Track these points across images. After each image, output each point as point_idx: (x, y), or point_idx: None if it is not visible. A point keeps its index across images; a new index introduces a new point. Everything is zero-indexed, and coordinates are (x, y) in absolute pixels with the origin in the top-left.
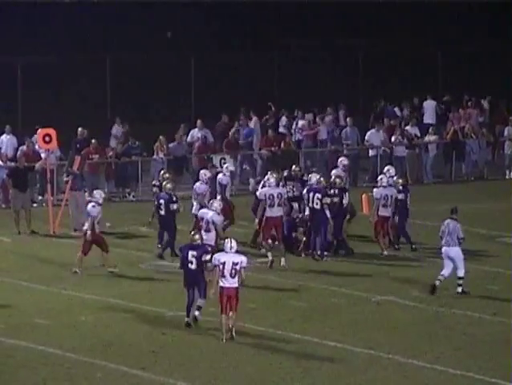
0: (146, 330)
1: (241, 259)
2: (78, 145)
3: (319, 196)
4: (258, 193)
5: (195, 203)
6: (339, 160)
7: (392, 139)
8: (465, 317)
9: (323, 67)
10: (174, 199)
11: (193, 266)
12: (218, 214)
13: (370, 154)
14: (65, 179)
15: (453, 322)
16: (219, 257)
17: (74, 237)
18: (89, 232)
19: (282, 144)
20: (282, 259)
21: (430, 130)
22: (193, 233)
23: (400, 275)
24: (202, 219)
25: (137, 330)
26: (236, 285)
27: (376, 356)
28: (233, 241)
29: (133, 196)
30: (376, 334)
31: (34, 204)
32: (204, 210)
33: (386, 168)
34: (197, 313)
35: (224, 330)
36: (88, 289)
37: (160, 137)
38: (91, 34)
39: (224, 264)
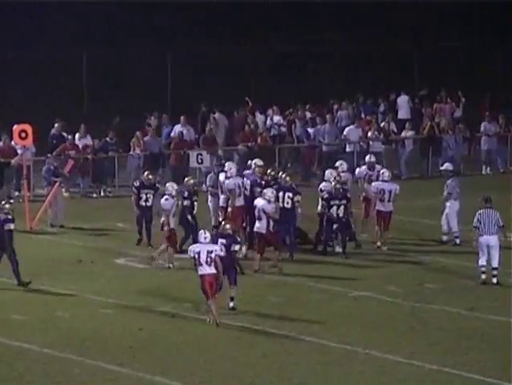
0: (123, 326)
1: (215, 248)
2: (54, 141)
3: (290, 194)
4: (226, 184)
5: (222, 196)
6: (366, 157)
7: (369, 134)
8: (442, 312)
9: (300, 63)
10: (185, 195)
11: (222, 254)
12: (269, 202)
13: (347, 150)
14: (53, 179)
15: (429, 317)
16: (194, 248)
17: (50, 233)
18: (166, 227)
19: (259, 140)
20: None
21: (407, 125)
22: (224, 222)
23: (376, 270)
24: (255, 207)
25: (114, 326)
26: (214, 271)
27: (353, 351)
28: (206, 232)
29: (109, 192)
30: (353, 329)
31: (11, 201)
32: (258, 199)
33: (338, 163)
34: (231, 304)
35: (215, 313)
36: (65, 284)
37: (137, 133)
38: (67, 31)
39: (199, 253)
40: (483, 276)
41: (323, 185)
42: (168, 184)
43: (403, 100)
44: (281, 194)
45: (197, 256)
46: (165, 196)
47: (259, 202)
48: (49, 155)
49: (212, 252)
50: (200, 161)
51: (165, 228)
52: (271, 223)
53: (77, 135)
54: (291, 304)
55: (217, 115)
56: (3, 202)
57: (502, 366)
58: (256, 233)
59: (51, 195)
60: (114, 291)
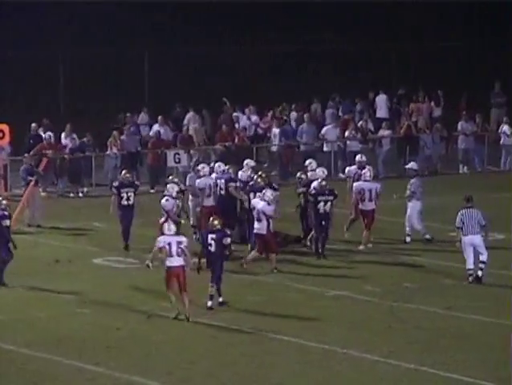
0: (100, 326)
1: (184, 239)
2: (31, 141)
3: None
4: (197, 183)
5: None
6: (357, 157)
7: (346, 133)
8: (419, 311)
9: (279, 63)
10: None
11: (212, 249)
12: (269, 204)
13: (324, 149)
14: (29, 178)
15: (406, 316)
16: (164, 238)
17: (27, 232)
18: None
19: (237, 139)
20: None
21: (383, 124)
22: (212, 218)
23: (354, 270)
24: (254, 208)
25: (92, 326)
26: (183, 263)
27: (331, 351)
28: (171, 224)
29: (87, 192)
30: (331, 328)
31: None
32: (256, 200)
33: (308, 162)
34: (209, 303)
35: (175, 305)
36: (42, 284)
37: (114, 132)
38: (44, 31)
39: (170, 244)
40: (471, 278)
41: (314, 184)
42: (169, 185)
43: (381, 99)
44: (252, 195)
45: (167, 246)
46: (166, 197)
47: (258, 204)
48: (26, 154)
49: (182, 243)
50: (177, 160)
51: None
52: (271, 224)
53: (63, 135)
54: (269, 304)
55: (191, 114)
56: (0, 198)
57: (481, 365)
58: (256, 234)
59: (27, 193)
60: (91, 291)
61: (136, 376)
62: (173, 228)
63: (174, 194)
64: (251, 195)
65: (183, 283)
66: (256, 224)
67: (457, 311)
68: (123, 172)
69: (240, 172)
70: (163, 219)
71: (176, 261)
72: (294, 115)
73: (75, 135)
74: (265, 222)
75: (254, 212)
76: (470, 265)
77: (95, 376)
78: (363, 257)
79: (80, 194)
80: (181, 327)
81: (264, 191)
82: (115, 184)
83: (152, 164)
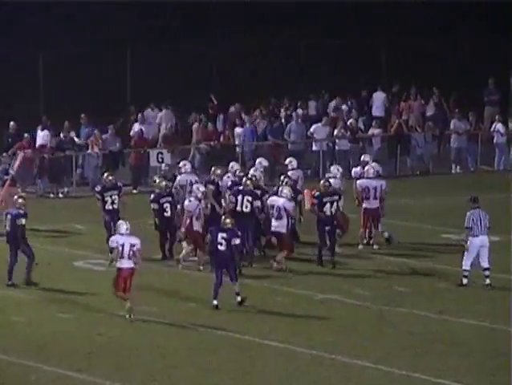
0: (81, 331)
1: (137, 241)
2: (9, 139)
3: (250, 198)
4: (178, 180)
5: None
6: (361, 157)
7: (335, 132)
8: (411, 315)
9: (264, 60)
10: (151, 198)
11: (222, 248)
12: (289, 200)
13: (313, 148)
14: (5, 177)
15: (398, 321)
16: (118, 239)
17: (4, 234)
18: (183, 228)
19: (222, 138)
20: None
21: (374, 123)
22: (224, 216)
23: (343, 273)
24: (272, 207)
25: (72, 331)
26: (132, 266)
27: (319, 356)
28: (127, 222)
29: (67, 192)
30: (319, 333)
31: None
32: (274, 198)
33: (288, 160)
34: (239, 298)
35: (128, 308)
36: (21, 288)
37: (95, 131)
38: (24, 31)
39: (123, 246)
40: (465, 280)
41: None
42: (194, 186)
43: (378, 97)
44: (240, 198)
45: (120, 248)
46: (190, 198)
47: (278, 201)
48: (4, 154)
49: (134, 245)
50: (160, 160)
51: (195, 228)
52: (290, 222)
53: (62, 134)
54: (257, 308)
55: (164, 112)
56: (16, 197)
57: (475, 372)
58: (274, 233)
59: (3, 193)
60: (72, 295)
61: (117, 383)
62: (129, 227)
63: (199, 195)
64: (239, 197)
65: (129, 285)
66: (274, 222)
67: (450, 315)
68: (105, 174)
69: (251, 171)
70: (188, 220)
71: (126, 263)
72: (299, 111)
73: (73, 133)
74: (285, 220)
75: (274, 211)
76: (467, 266)
77: (75, 383)
78: (353, 259)
79: (60, 194)
80: (165, 332)
81: (280, 188)
82: (98, 188)
83: (135, 164)
